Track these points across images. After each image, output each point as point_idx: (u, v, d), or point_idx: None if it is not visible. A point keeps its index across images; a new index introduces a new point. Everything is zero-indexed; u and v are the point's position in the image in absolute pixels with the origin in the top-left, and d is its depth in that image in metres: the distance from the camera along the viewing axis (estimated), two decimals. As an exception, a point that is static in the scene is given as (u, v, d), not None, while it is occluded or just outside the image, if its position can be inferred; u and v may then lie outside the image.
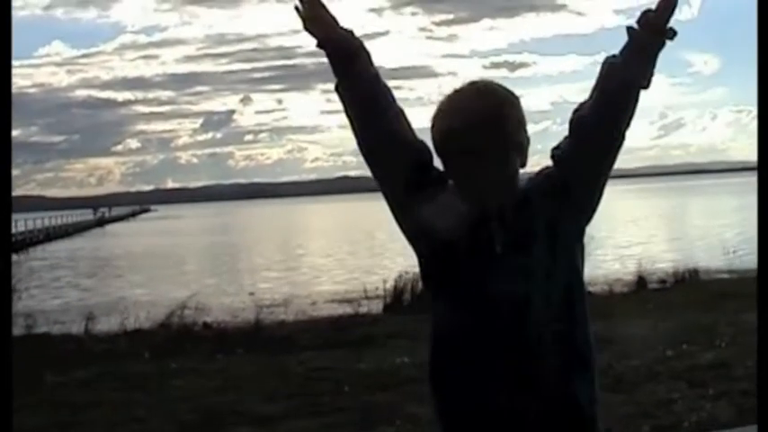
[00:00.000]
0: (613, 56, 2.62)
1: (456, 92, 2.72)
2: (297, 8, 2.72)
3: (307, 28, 2.72)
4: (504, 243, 2.60)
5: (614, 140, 2.64)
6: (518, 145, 2.67)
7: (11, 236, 3.45)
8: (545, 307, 2.59)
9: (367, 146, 2.77)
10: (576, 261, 2.69)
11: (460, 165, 2.63)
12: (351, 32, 2.74)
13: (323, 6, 2.72)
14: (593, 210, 2.71)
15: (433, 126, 2.72)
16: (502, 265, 2.60)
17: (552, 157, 2.70)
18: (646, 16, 2.57)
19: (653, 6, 2.58)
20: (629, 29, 2.59)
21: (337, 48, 2.73)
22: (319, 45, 2.74)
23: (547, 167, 2.71)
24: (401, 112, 2.79)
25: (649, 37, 2.58)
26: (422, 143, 2.76)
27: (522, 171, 2.71)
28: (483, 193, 2.63)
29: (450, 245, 2.64)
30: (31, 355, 11.88)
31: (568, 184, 2.64)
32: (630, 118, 2.64)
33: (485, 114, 2.63)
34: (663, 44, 2.60)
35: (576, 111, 2.67)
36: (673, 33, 2.59)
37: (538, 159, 2.78)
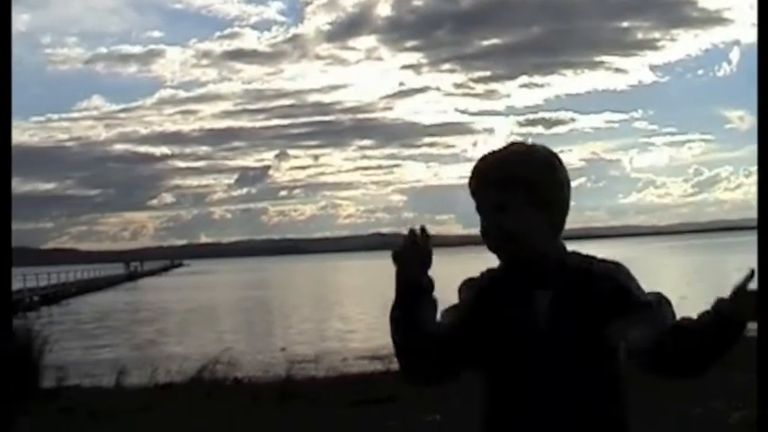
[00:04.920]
0: (683, 328, 2.38)
1: (495, 150, 2.68)
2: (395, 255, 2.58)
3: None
4: (547, 317, 2.53)
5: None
6: (549, 203, 2.59)
7: (10, 236, 3.43)
8: (588, 388, 2.49)
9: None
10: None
11: (495, 212, 2.56)
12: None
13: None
14: None
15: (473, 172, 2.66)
16: (543, 344, 2.51)
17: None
18: (720, 307, 2.30)
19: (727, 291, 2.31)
20: (717, 305, 2.31)
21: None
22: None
23: (613, 269, 2.57)
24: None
25: (727, 333, 2.32)
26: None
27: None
28: (521, 242, 2.55)
29: (502, 327, 2.57)
30: (60, 407, 11.87)
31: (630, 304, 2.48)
32: None
33: (524, 157, 2.59)
34: (740, 337, 2.32)
35: (661, 342, 2.40)
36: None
37: (572, 216, 2.68)
